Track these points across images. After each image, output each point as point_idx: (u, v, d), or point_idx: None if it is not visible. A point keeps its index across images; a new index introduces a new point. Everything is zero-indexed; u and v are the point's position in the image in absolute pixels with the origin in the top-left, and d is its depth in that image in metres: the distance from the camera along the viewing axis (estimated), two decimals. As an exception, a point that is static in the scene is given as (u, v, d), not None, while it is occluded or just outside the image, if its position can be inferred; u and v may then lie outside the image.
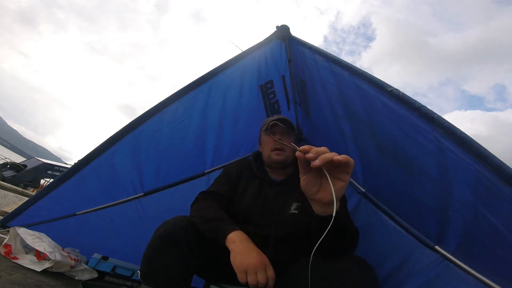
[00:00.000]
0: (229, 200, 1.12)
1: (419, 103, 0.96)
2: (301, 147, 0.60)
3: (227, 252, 0.81)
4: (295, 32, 1.63)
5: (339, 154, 0.58)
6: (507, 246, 0.84)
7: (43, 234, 1.43)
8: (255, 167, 1.22)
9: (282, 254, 0.98)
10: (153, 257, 0.84)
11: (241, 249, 0.80)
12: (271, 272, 0.78)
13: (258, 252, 0.81)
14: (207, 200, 1.06)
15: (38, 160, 7.75)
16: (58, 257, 1.28)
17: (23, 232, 1.36)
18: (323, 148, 0.59)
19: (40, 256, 1.32)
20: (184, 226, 0.88)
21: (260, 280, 0.74)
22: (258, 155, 1.30)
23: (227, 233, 0.85)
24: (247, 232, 0.88)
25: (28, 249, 1.39)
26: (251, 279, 0.74)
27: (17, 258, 1.29)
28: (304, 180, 0.64)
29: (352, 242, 0.84)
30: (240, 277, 0.75)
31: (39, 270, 1.24)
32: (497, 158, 0.80)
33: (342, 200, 1.05)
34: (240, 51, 1.58)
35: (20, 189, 4.42)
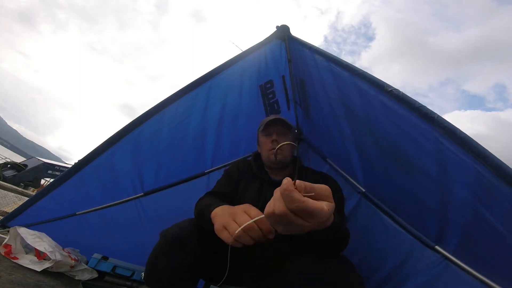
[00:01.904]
0: (232, 200, 1.12)
1: (419, 103, 0.96)
2: (297, 184, 0.46)
3: (226, 250, 0.80)
4: (295, 32, 1.63)
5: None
6: (506, 246, 0.84)
7: (44, 233, 1.43)
8: (255, 168, 1.22)
9: (282, 253, 0.98)
10: (159, 260, 0.82)
11: (221, 214, 0.73)
12: (254, 212, 0.65)
13: (240, 207, 0.70)
14: (207, 197, 1.05)
15: (39, 160, 7.75)
16: (58, 256, 1.29)
17: (23, 231, 1.36)
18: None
19: (40, 255, 1.32)
20: (190, 229, 0.87)
21: (241, 222, 0.61)
22: (257, 156, 1.30)
23: (212, 211, 0.78)
24: None
25: (28, 249, 1.39)
26: (231, 229, 0.62)
27: (17, 258, 1.29)
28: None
29: (344, 246, 0.82)
30: (222, 235, 0.65)
31: (39, 270, 1.24)
32: (497, 158, 0.80)
33: (339, 203, 1.03)
34: (240, 51, 1.59)
35: (20, 189, 4.43)
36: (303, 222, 0.44)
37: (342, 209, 1.05)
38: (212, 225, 0.74)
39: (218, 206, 0.80)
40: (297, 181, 0.46)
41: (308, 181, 0.55)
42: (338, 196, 1.05)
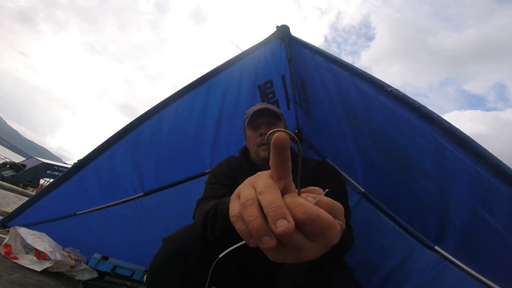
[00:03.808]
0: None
1: (419, 103, 0.96)
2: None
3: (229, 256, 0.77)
4: (296, 32, 1.63)
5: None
6: (506, 246, 0.84)
7: (44, 233, 1.43)
8: (246, 166, 1.10)
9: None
10: (161, 272, 0.79)
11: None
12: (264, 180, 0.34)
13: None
14: (206, 203, 0.92)
15: (38, 159, 7.75)
16: (58, 256, 1.29)
17: (23, 231, 1.36)
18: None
19: (40, 255, 1.32)
20: (193, 241, 0.81)
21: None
22: (246, 151, 1.18)
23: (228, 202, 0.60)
24: None
25: (28, 249, 1.39)
26: (232, 207, 0.34)
27: (17, 258, 1.29)
28: None
29: (345, 253, 0.79)
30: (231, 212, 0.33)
31: (39, 270, 1.24)
32: (497, 158, 0.80)
33: (343, 194, 0.98)
34: (240, 51, 1.59)
35: (20, 189, 4.42)
36: (307, 243, 0.28)
37: (346, 201, 0.97)
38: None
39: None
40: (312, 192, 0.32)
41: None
42: (341, 187, 1.01)
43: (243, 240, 0.33)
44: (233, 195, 0.35)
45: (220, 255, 0.41)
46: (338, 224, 0.30)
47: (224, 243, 0.56)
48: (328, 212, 0.29)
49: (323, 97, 1.46)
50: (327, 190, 0.33)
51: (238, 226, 0.31)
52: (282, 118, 1.14)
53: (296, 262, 0.30)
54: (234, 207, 0.32)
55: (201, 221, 0.77)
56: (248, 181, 0.34)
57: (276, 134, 0.29)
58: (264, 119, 1.08)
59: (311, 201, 0.30)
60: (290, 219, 0.27)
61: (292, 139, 0.32)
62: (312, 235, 0.28)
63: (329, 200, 0.31)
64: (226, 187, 1.01)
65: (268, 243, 0.28)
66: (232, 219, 0.31)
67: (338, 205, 0.32)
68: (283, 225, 0.26)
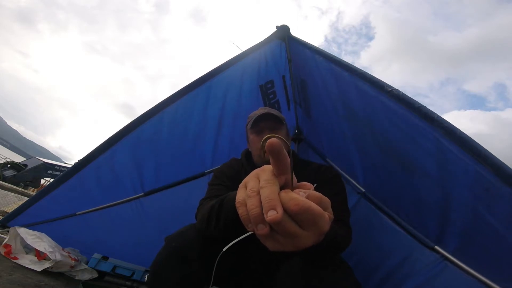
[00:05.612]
0: None
1: (419, 103, 0.96)
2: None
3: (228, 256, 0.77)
4: (296, 32, 1.63)
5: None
6: (506, 246, 0.84)
7: (44, 234, 1.43)
8: (249, 169, 1.11)
9: (276, 257, 0.95)
10: (162, 271, 0.79)
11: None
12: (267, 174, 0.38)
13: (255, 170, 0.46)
14: (209, 201, 0.94)
15: (39, 159, 7.76)
16: (58, 257, 1.29)
17: (23, 232, 1.37)
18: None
19: (40, 256, 1.32)
20: (194, 241, 0.81)
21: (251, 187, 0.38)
22: (249, 154, 1.20)
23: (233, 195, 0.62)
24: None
25: (28, 249, 1.39)
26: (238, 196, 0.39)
27: (17, 258, 1.29)
28: None
29: (340, 251, 0.79)
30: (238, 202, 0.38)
31: (39, 270, 1.24)
32: (497, 158, 0.80)
33: (342, 195, 0.99)
34: (240, 51, 1.59)
35: (20, 189, 4.43)
36: (301, 231, 0.32)
37: (346, 203, 0.99)
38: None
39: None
40: (305, 188, 0.36)
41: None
42: (341, 189, 1.02)
43: (244, 234, 0.38)
44: (241, 184, 0.41)
45: (225, 248, 0.44)
46: (326, 214, 0.34)
47: (226, 238, 0.57)
48: (317, 204, 0.33)
49: (323, 97, 1.46)
50: (315, 185, 0.38)
51: (241, 211, 0.36)
52: (284, 123, 1.17)
53: (294, 250, 0.34)
54: (240, 194, 0.38)
55: (205, 216, 0.78)
56: (254, 173, 0.40)
57: (267, 141, 0.35)
58: (267, 123, 1.11)
59: (303, 195, 0.34)
60: (279, 210, 0.32)
61: (285, 144, 0.38)
62: (304, 224, 0.32)
63: (318, 194, 0.36)
64: (228, 189, 1.03)
65: (262, 230, 0.33)
66: (237, 205, 0.37)
67: (325, 198, 0.36)
68: (272, 214, 0.31)
